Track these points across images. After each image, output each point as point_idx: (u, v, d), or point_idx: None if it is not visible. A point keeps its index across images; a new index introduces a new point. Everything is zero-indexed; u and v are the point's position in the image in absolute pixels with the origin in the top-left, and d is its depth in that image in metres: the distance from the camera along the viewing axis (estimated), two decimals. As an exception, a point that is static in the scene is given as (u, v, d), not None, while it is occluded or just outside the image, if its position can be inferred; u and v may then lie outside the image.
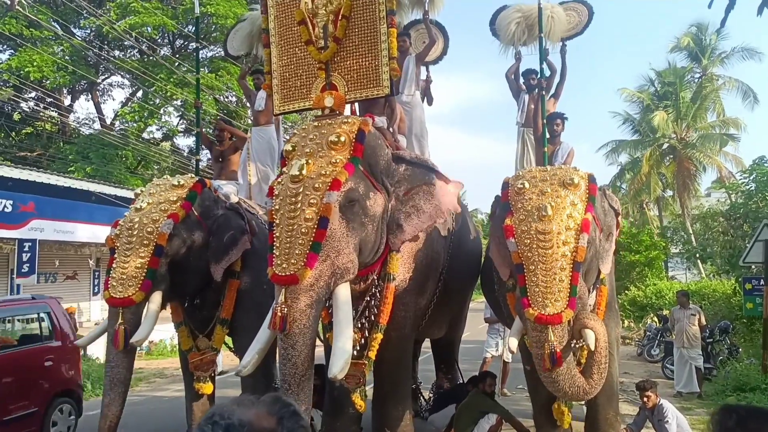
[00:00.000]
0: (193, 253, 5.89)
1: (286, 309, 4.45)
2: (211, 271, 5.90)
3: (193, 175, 6.59)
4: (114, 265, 5.66)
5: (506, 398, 9.27)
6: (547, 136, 6.86)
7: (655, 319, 16.91)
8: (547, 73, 7.46)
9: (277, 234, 4.69)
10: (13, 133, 25.13)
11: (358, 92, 5.48)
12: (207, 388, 6.33)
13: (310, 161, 4.81)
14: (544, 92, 7.08)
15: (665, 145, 28.47)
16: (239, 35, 8.10)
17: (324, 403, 6.12)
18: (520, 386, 9.12)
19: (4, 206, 12.83)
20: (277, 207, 4.75)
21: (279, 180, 4.91)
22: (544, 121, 6.85)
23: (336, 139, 4.92)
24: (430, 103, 8.02)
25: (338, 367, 4.62)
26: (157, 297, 5.69)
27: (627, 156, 30.27)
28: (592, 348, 4.80)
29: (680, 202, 28.07)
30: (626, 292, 22.46)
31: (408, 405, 6.15)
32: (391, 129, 6.12)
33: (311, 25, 5.42)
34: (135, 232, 5.63)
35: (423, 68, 8.08)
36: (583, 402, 5.87)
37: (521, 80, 7.88)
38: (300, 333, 4.48)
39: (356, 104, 6.24)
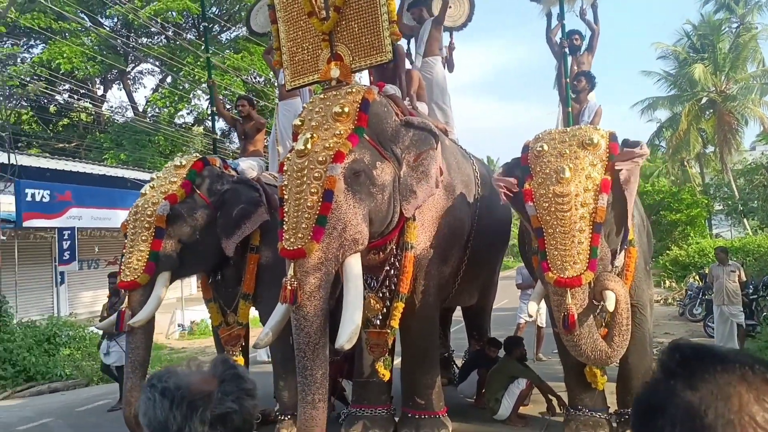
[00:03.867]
0: (200, 231, 5.95)
1: (295, 282, 4.48)
2: (223, 247, 5.96)
3: (197, 155, 6.64)
4: (124, 251, 5.81)
5: (541, 363, 9.22)
6: (572, 95, 6.72)
7: (697, 278, 16.57)
8: (585, 32, 7.48)
9: (286, 209, 4.74)
10: (50, 125, 25.72)
11: (363, 60, 5.42)
12: (238, 361, 6.45)
13: (314, 135, 4.81)
14: (566, 51, 6.93)
15: (704, 99, 27.54)
16: (263, 12, 8.07)
17: (353, 373, 6.18)
18: (555, 351, 9.04)
19: (42, 196, 13.18)
20: (285, 182, 4.80)
21: (288, 156, 4.92)
22: (567, 80, 6.70)
23: (340, 110, 4.89)
24: (451, 70, 7.89)
25: (345, 337, 4.65)
26: (163, 278, 5.81)
27: (664, 112, 29.44)
28: (611, 309, 4.72)
29: (721, 158, 27.20)
30: (667, 252, 22.02)
31: (437, 373, 6.16)
32: (407, 97, 6.03)
33: (313, -4, 5.36)
34: (138, 218, 5.77)
35: (446, 35, 7.95)
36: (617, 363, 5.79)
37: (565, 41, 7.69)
38: (310, 304, 4.53)
39: (372, 75, 6.18)
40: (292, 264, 4.56)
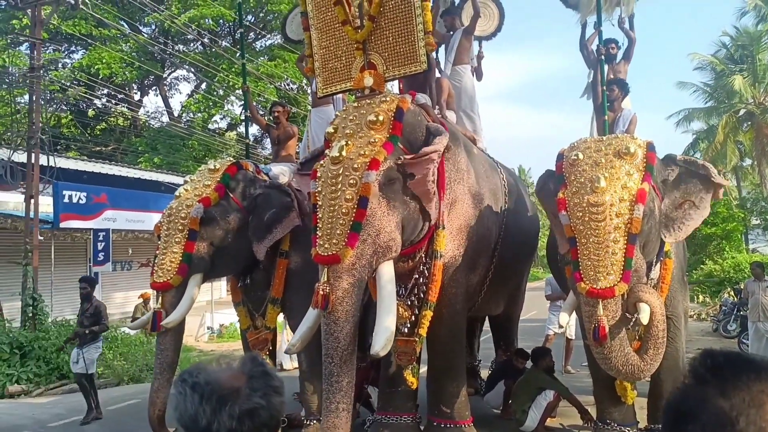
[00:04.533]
0: (232, 234, 6.03)
1: (328, 288, 4.51)
2: (254, 251, 6.02)
3: (231, 159, 6.73)
4: (157, 252, 5.90)
5: (570, 375, 9.12)
6: (606, 103, 6.65)
7: (732, 293, 16.21)
8: (621, 41, 7.45)
9: (320, 215, 4.77)
10: (88, 129, 26.30)
11: (397, 69, 5.45)
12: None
13: (349, 142, 4.84)
14: (603, 59, 6.88)
15: (742, 111, 26.95)
16: (298, 19, 8.17)
17: (379, 380, 6.19)
18: (584, 363, 8.93)
19: (79, 198, 13.51)
20: (319, 189, 4.83)
21: (321, 162, 4.95)
22: (603, 87, 6.65)
23: (374, 119, 4.91)
24: (479, 78, 7.91)
25: (380, 345, 4.65)
26: (196, 280, 5.88)
27: (700, 124, 28.91)
28: (645, 322, 4.64)
29: (759, 171, 26.60)
30: (702, 266, 21.59)
31: (463, 381, 6.13)
32: (437, 106, 6.05)
33: (347, 4, 5.42)
34: (172, 219, 5.85)
35: (475, 44, 7.97)
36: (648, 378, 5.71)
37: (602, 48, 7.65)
38: (342, 310, 4.55)
39: (402, 83, 6.21)
40: (326, 269, 4.58)
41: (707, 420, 0.74)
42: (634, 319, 4.89)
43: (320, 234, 4.69)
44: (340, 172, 4.72)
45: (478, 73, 7.92)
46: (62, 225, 13.31)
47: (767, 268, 10.27)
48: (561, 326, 5.61)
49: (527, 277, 8.51)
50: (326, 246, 4.61)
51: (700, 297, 20.24)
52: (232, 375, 1.22)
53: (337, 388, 4.54)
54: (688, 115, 28.40)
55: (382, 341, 4.65)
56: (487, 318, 8.44)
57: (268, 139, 8.99)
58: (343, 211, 4.63)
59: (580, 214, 4.72)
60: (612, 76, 7.16)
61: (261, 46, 25.81)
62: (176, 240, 5.80)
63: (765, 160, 25.97)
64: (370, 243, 4.66)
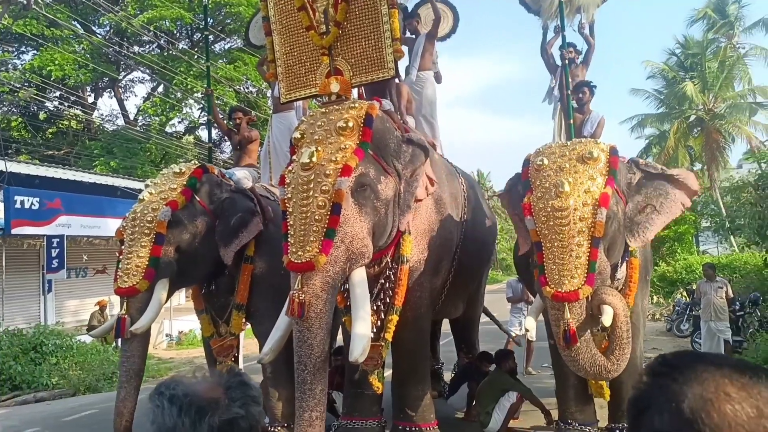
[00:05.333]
0: (199, 238, 5.93)
1: (302, 295, 4.48)
2: (221, 256, 5.96)
3: (196, 162, 6.64)
4: (121, 257, 5.76)
5: (531, 377, 9.26)
6: (575, 105, 6.76)
7: (684, 294, 16.69)
8: (580, 46, 7.62)
9: (291, 222, 4.71)
10: (40, 132, 25.60)
11: (364, 76, 5.44)
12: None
13: (319, 148, 4.80)
14: (567, 62, 7.00)
15: (692, 117, 27.87)
16: (260, 24, 8.10)
17: (344, 385, 6.18)
18: (545, 365, 9.09)
19: (32, 203, 13.11)
20: (289, 195, 4.77)
21: (290, 168, 4.91)
22: (569, 91, 6.75)
23: (344, 125, 4.90)
24: (438, 81, 7.97)
25: (358, 352, 4.65)
26: (163, 285, 5.76)
27: (653, 129, 29.72)
28: (607, 324, 4.74)
29: (709, 175, 27.49)
30: (655, 267, 22.15)
31: (428, 385, 6.17)
32: (399, 111, 6.09)
33: (311, 10, 5.38)
34: (137, 223, 5.72)
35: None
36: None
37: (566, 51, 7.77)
38: (316, 317, 4.51)
39: (362, 89, 6.21)
40: (299, 277, 4.54)
41: (662, 403, 0.82)
42: (600, 321, 5.01)
43: (292, 241, 4.63)
44: (312, 178, 4.69)
45: (437, 75, 7.98)
46: (14, 231, 12.88)
47: (718, 269, 10.61)
48: (527, 330, 5.69)
49: (486, 280, 8.63)
50: (299, 253, 4.57)
51: (654, 297, 20.76)
52: (210, 386, 1.22)
53: (311, 396, 4.49)
54: (641, 120, 29.21)
55: (359, 348, 4.65)
56: (447, 322, 8.52)
57: (229, 143, 8.90)
58: (316, 217, 4.60)
59: (545, 218, 4.81)
60: (570, 80, 7.30)
61: (220, 49, 25.52)
62: (142, 244, 5.65)
63: (714, 164, 26.88)
64: (344, 249, 4.65)
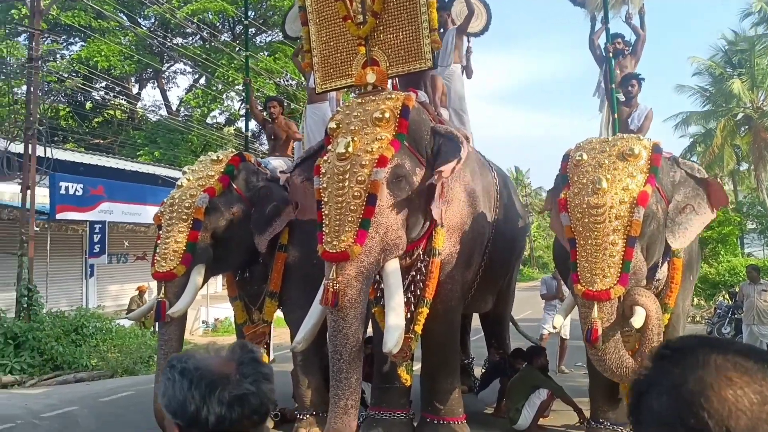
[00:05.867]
0: (235, 225, 6.00)
1: (337, 285, 4.49)
2: (255, 243, 6.01)
3: (233, 150, 6.70)
4: (158, 242, 5.85)
5: (564, 375, 9.15)
6: (622, 99, 6.61)
7: (727, 296, 16.26)
8: (628, 37, 7.36)
9: (326, 212, 4.73)
10: (86, 121, 26.24)
11: (400, 66, 5.42)
12: (264, 358, 6.47)
13: (355, 138, 4.80)
14: (611, 55, 6.85)
15: (740, 115, 27.05)
16: (297, 15, 8.13)
17: (373, 376, 6.19)
18: (579, 363, 8.97)
19: (76, 190, 13.47)
20: (324, 185, 4.78)
21: (325, 158, 4.92)
22: (613, 85, 6.61)
23: (381, 116, 4.89)
24: (469, 76, 7.87)
25: (392, 343, 4.67)
26: (199, 270, 5.84)
27: (698, 128, 28.94)
28: (637, 326, 4.64)
29: (756, 175, 26.67)
30: (698, 268, 21.64)
31: (457, 379, 6.15)
32: (433, 103, 6.05)
33: (348, 0, 5.39)
34: (176, 208, 5.80)
35: (464, 39, 7.95)
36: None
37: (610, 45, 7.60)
38: (351, 306, 4.53)
39: (396, 80, 6.18)
40: (334, 266, 4.55)
41: (663, 386, 0.81)
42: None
43: (327, 231, 4.65)
44: (347, 168, 4.69)
45: (468, 70, 7.89)
46: (58, 216, 13.27)
47: (763, 272, 10.30)
48: (555, 327, 5.62)
49: (516, 276, 8.55)
50: (334, 243, 4.58)
51: (695, 300, 20.28)
52: (222, 361, 1.22)
53: (346, 386, 4.53)
54: (686, 118, 28.44)
55: (394, 339, 4.67)
56: (478, 318, 8.48)
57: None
58: (351, 208, 4.60)
59: (580, 215, 4.73)
60: (618, 72, 7.11)
61: (261, 42, 25.76)
62: (180, 229, 5.73)
63: (762, 164, 26.06)
64: (378, 240, 4.65)
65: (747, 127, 26.94)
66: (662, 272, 5.46)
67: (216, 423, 1.15)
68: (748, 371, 0.79)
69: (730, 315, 13.47)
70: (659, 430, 0.80)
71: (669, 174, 5.16)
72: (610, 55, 6.83)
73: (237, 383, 1.18)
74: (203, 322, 16.11)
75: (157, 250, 5.83)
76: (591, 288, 4.60)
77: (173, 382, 1.19)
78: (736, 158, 28.26)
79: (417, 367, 6.11)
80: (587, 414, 6.09)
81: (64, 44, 25.19)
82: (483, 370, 8.15)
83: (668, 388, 0.80)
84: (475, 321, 8.79)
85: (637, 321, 4.62)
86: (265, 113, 7.76)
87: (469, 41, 8.09)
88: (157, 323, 6.06)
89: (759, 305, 9.66)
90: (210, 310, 16.21)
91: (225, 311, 15.63)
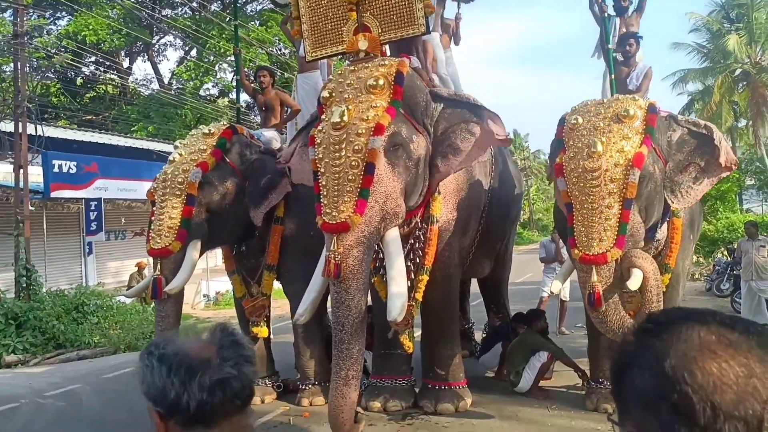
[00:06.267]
0: (229, 199, 5.95)
1: (338, 256, 4.46)
2: (251, 217, 5.96)
3: (225, 123, 6.61)
4: (152, 218, 5.80)
5: (564, 337, 9.20)
6: (621, 59, 6.49)
7: (725, 252, 16.32)
8: None
9: (323, 182, 4.66)
10: (78, 97, 25.96)
11: (393, 32, 5.31)
12: (263, 331, 6.51)
13: (350, 107, 4.72)
14: (605, 15, 6.70)
15: (737, 71, 26.76)
16: None
17: (374, 344, 6.21)
18: (579, 324, 9.01)
19: (69, 167, 13.39)
20: (320, 155, 4.70)
21: (319, 128, 4.83)
22: (609, 46, 6.48)
23: (375, 83, 4.80)
24: (457, 42, 7.72)
25: (397, 311, 4.67)
26: (195, 246, 5.80)
27: (696, 85, 28.67)
28: (634, 288, 4.63)
29: (754, 131, 26.52)
30: (695, 226, 21.67)
31: (457, 344, 6.18)
32: (425, 69, 5.95)
33: (338, -36, 5.25)
34: (168, 184, 5.73)
35: (454, 5, 7.78)
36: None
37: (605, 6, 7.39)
38: (353, 277, 4.51)
39: (386, 46, 6.07)
40: (334, 237, 4.51)
41: (644, 360, 0.77)
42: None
43: (325, 202, 4.59)
44: (344, 137, 4.61)
45: (456, 36, 7.72)
46: (53, 195, 13.21)
47: (761, 228, 10.29)
48: (553, 292, 5.63)
49: (513, 240, 8.55)
50: (333, 214, 4.53)
51: (694, 257, 20.36)
52: (202, 345, 1.17)
53: (348, 356, 4.53)
54: (683, 76, 28.13)
55: (398, 307, 4.67)
56: (477, 282, 8.49)
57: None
58: (350, 177, 4.54)
59: (576, 179, 4.69)
60: (624, 30, 6.96)
61: (252, 11, 25.35)
62: (174, 205, 5.68)
63: (760, 120, 25.87)
64: (378, 209, 4.60)
65: (745, 83, 26.69)
66: (662, 232, 5.43)
67: (197, 409, 1.11)
68: (732, 344, 0.75)
69: (728, 271, 13.52)
70: (643, 408, 0.76)
71: (666, 133, 5.08)
72: (605, 15, 6.70)
73: (218, 367, 1.14)
74: (204, 296, 16.15)
75: (152, 227, 5.78)
76: (588, 252, 4.58)
77: (151, 368, 1.15)
78: (734, 114, 28.03)
79: (418, 333, 6.13)
80: (588, 374, 6.13)
81: (51, 19, 24.77)
82: (483, 335, 8.19)
83: (650, 364, 0.76)
84: (474, 286, 8.81)
85: (633, 283, 4.60)
86: (254, 84, 7.64)
87: (459, 7, 7.93)
88: (154, 300, 6.04)
89: (757, 261, 9.67)
90: (210, 284, 16.24)
91: (226, 284, 15.60)
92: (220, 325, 1.23)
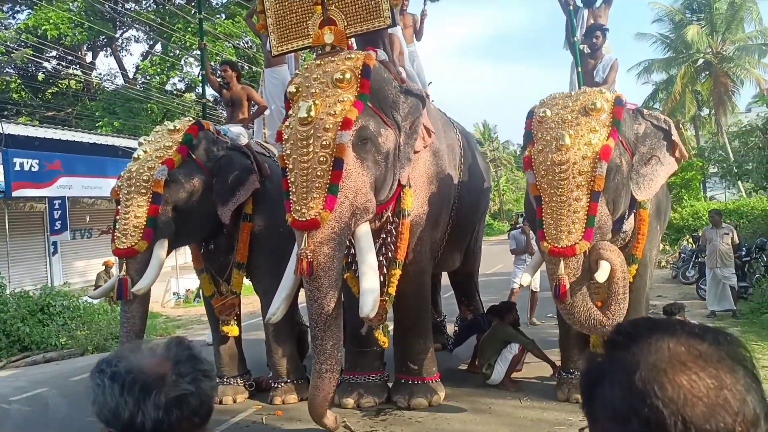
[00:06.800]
0: (196, 197, 5.85)
1: (310, 254, 4.42)
2: (219, 214, 5.87)
3: (191, 118, 6.49)
4: (117, 217, 5.67)
5: (535, 327, 9.28)
6: (587, 51, 6.52)
7: (690, 240, 16.62)
8: None
9: (292, 179, 4.63)
10: (39, 93, 25.34)
11: (359, 25, 5.28)
12: (233, 330, 6.45)
13: (317, 102, 4.68)
14: (571, 8, 6.72)
15: (700, 61, 27.26)
16: None
17: (346, 340, 6.18)
18: (550, 314, 9.10)
19: (32, 166, 13.03)
20: (288, 151, 4.67)
21: (287, 123, 4.79)
22: (575, 38, 6.51)
23: (341, 77, 4.77)
24: (419, 38, 7.69)
25: (369, 307, 4.69)
26: (162, 245, 5.69)
27: (660, 75, 29.11)
28: (601, 281, 4.68)
29: (716, 120, 27.06)
30: (661, 215, 22.02)
31: (430, 338, 6.19)
32: (392, 62, 5.92)
33: (303, -44, 5.19)
34: (133, 182, 5.61)
35: (420, 2, 7.78)
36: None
37: None
38: (325, 274, 4.50)
39: (353, 40, 6.03)
40: (305, 235, 4.47)
41: (615, 374, 0.76)
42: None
43: (294, 199, 4.56)
44: (311, 133, 4.58)
45: (418, 33, 7.69)
46: (15, 194, 12.83)
47: (724, 215, 10.49)
48: (523, 285, 5.67)
49: (482, 232, 8.61)
50: (303, 211, 4.50)
51: (660, 245, 20.71)
52: (156, 361, 1.12)
53: (322, 351, 4.60)
54: (648, 66, 28.55)
55: (370, 303, 4.69)
56: (447, 275, 8.52)
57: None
58: (318, 173, 4.51)
59: (544, 172, 4.72)
60: (592, 21, 7.00)
61: (218, 3, 24.98)
62: (139, 204, 5.55)
63: (722, 109, 26.41)
64: (348, 205, 4.59)
65: (707, 72, 27.21)
66: (629, 224, 5.49)
67: (153, 428, 1.06)
68: (702, 355, 0.74)
69: (693, 259, 13.77)
70: (613, 422, 0.74)
71: (633, 126, 5.15)
72: (570, 7, 6.73)
73: (174, 384, 1.08)
74: (174, 294, 15.93)
75: (117, 226, 5.65)
76: (557, 245, 4.62)
77: (103, 388, 1.09)
78: (697, 104, 28.56)
79: (391, 328, 6.12)
80: (559, 365, 6.18)
81: (10, 13, 24.10)
82: (455, 328, 8.21)
83: (620, 377, 0.75)
84: (445, 279, 8.84)
85: (601, 275, 4.65)
86: (219, 79, 7.52)
87: (425, 4, 7.90)
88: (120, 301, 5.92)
89: (721, 249, 9.88)
90: (180, 281, 16.02)
91: (195, 281, 15.44)
92: (176, 339, 1.17)
